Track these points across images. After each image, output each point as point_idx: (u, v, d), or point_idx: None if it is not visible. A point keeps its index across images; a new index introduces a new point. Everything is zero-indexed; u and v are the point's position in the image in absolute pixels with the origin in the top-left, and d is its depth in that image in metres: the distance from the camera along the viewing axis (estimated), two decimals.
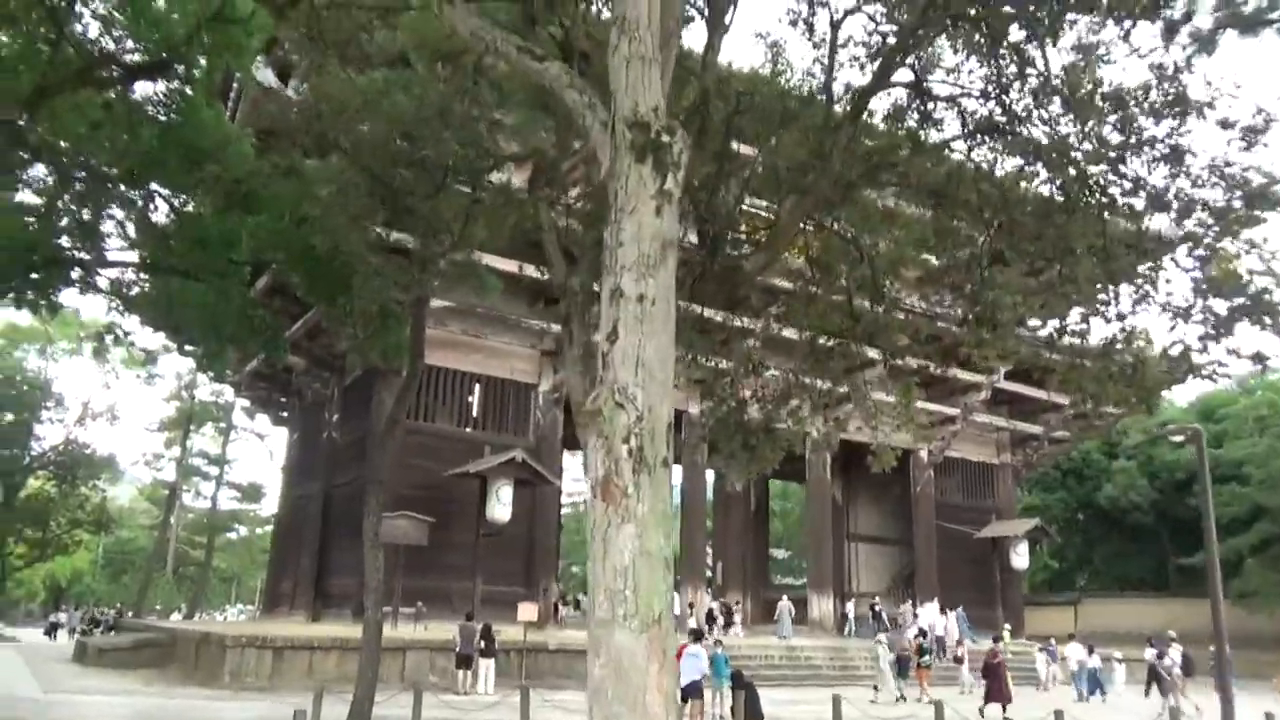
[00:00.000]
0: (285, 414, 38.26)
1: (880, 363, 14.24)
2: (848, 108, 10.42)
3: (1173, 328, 9.00)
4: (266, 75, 18.50)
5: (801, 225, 10.18)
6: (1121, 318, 9.91)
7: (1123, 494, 47.01)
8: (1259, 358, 8.70)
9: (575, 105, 5.62)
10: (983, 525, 36.87)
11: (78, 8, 10.79)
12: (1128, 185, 9.75)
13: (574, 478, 57.41)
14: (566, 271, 9.01)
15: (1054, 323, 10.14)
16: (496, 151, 10.54)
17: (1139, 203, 9.64)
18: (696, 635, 16.70)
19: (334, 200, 10.59)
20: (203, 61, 11.17)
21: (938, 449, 35.64)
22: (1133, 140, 8.81)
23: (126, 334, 13.30)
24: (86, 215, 12.78)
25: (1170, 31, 10.23)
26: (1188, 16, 8.55)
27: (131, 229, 12.45)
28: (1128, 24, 9.94)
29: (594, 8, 11.39)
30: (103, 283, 12.69)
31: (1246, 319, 8.39)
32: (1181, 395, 50.96)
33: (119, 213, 12.36)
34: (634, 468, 4.68)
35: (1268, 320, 8.35)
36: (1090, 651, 26.56)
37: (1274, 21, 10.46)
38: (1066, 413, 36.88)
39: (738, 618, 31.95)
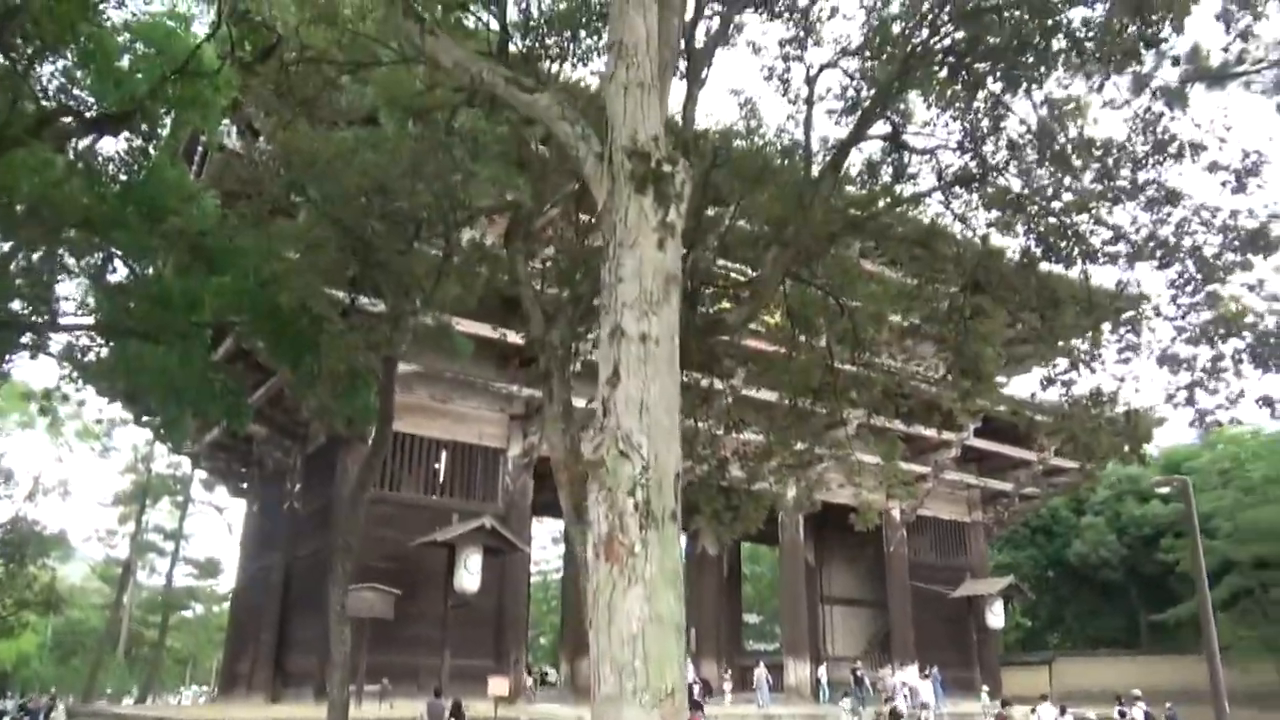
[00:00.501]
0: (245, 485, 37.20)
1: (860, 419, 14.07)
2: (826, 159, 10.37)
3: (1177, 371, 8.87)
4: (232, 136, 18.21)
5: (781, 282, 10.03)
6: (1105, 362, 9.80)
7: (1092, 550, 47.02)
8: (1268, 401, 8.57)
9: (567, 137, 5.39)
10: (957, 584, 36.53)
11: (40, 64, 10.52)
12: (1108, 234, 9.73)
13: (541, 545, 56.43)
14: (545, 326, 8.73)
15: (1042, 372, 10.00)
16: (471, 204, 10.32)
17: (1121, 251, 9.60)
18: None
19: (302, 257, 10.26)
20: (166, 118, 10.91)
21: (910, 508, 35.41)
22: (1115, 187, 8.78)
23: (77, 391, 12.67)
24: (42, 277, 12.33)
25: (1139, 85, 10.32)
26: (1175, 60, 8.57)
27: (88, 290, 12.01)
28: (1099, 77, 10.01)
29: (568, 64, 11.32)
30: (55, 348, 12.19)
31: (1253, 362, 8.28)
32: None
33: (75, 273, 11.94)
34: (641, 523, 4.31)
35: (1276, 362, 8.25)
36: (1063, 712, 26.16)
37: (1239, 75, 10.60)
38: (1035, 468, 36.97)
39: (727, 686, 31.48)
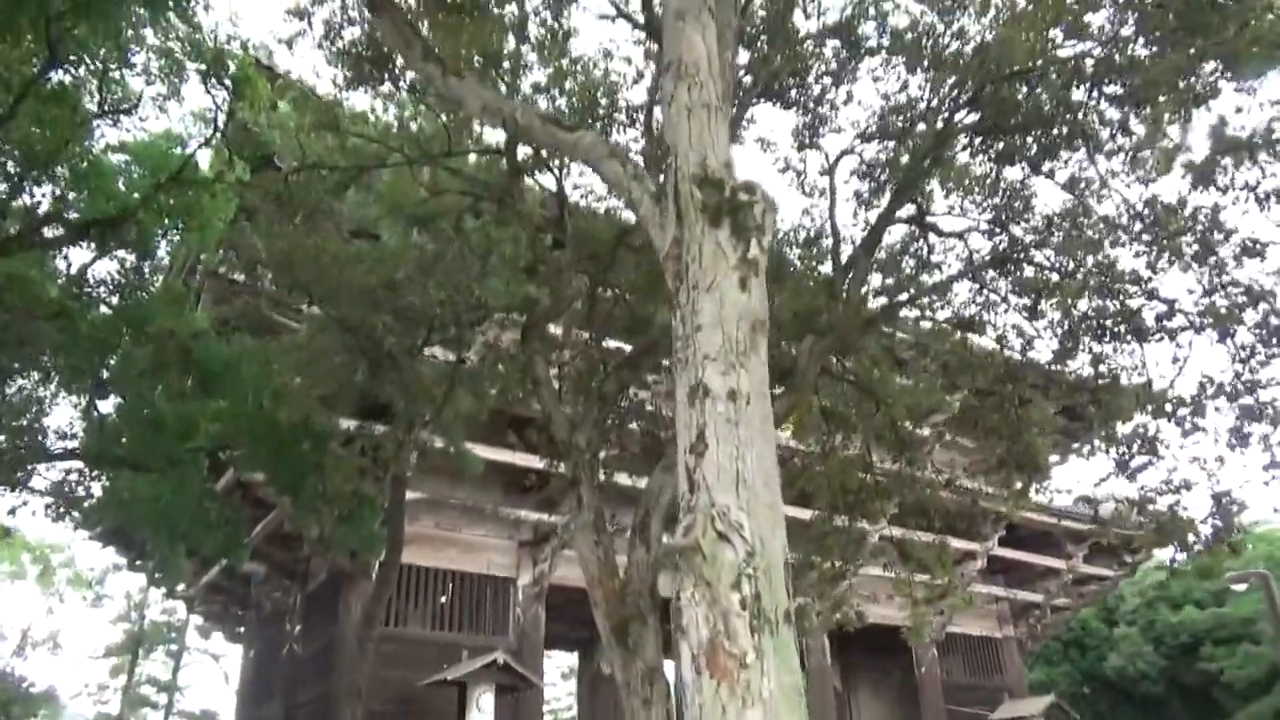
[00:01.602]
0: (242, 629, 35.60)
1: (895, 529, 13.18)
2: (852, 246, 9.92)
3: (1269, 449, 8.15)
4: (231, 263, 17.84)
5: (819, 373, 9.41)
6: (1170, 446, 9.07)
7: (1129, 663, 44.83)
8: None
9: (618, 178, 4.81)
10: (994, 706, 34.47)
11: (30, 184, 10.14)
12: (1162, 308, 9.17)
13: (550, 682, 53.91)
14: (570, 428, 8.04)
15: (1111, 457, 9.24)
16: (485, 302, 9.79)
17: (1176, 325, 9.01)
18: None
19: (304, 368, 9.66)
20: (161, 235, 10.48)
21: (939, 625, 33.82)
22: (1181, 249, 8.25)
23: (63, 524, 11.75)
24: (29, 408, 11.70)
25: (1168, 160, 9.92)
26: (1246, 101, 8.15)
27: (76, 419, 11.36)
28: (1130, 152, 9.63)
29: (577, 169, 11.01)
30: (40, 483, 11.41)
31: None
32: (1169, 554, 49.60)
33: (64, 401, 11.31)
34: (751, 625, 3.43)
35: None
36: None
37: (1270, 145, 10.21)
38: (1065, 578, 35.51)
39: None
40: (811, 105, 10.50)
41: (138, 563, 28.37)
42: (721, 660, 3.35)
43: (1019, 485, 10.00)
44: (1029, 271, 10.24)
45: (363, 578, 21.85)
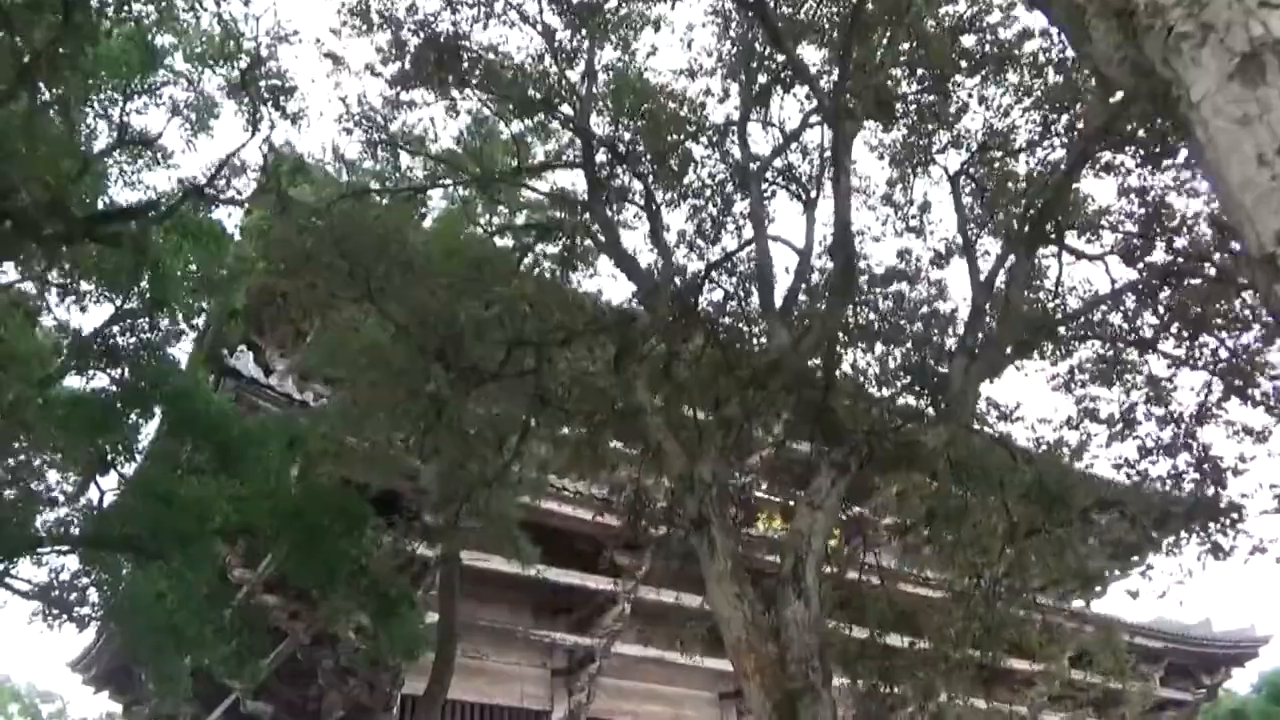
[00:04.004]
0: None
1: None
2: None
3: None
4: (247, 364, 16.44)
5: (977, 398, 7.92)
6: None
7: None
8: None
9: None
10: None
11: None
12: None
13: None
14: (689, 461, 6.47)
15: None
16: (582, 306, 8.32)
17: None
18: None
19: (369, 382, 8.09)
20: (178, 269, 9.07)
21: None
22: None
23: (53, 627, 9.76)
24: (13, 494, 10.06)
25: None
26: None
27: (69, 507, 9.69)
28: None
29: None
30: (20, 585, 9.60)
31: None
32: (1242, 677, 46.02)
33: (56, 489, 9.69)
34: None
35: None
36: None
37: None
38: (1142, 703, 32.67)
39: None
40: (917, 123, 9.27)
41: (134, 707, 26.15)
42: None
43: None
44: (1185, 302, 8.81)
45: (383, 713, 19.67)
